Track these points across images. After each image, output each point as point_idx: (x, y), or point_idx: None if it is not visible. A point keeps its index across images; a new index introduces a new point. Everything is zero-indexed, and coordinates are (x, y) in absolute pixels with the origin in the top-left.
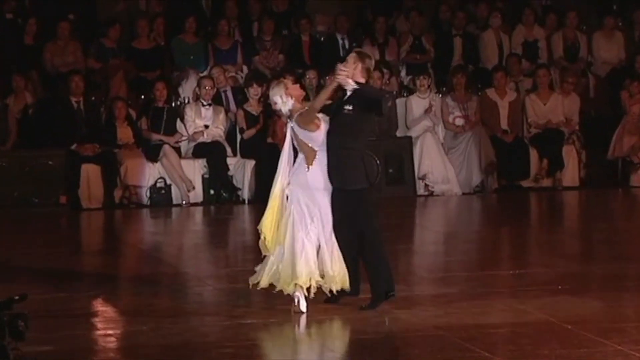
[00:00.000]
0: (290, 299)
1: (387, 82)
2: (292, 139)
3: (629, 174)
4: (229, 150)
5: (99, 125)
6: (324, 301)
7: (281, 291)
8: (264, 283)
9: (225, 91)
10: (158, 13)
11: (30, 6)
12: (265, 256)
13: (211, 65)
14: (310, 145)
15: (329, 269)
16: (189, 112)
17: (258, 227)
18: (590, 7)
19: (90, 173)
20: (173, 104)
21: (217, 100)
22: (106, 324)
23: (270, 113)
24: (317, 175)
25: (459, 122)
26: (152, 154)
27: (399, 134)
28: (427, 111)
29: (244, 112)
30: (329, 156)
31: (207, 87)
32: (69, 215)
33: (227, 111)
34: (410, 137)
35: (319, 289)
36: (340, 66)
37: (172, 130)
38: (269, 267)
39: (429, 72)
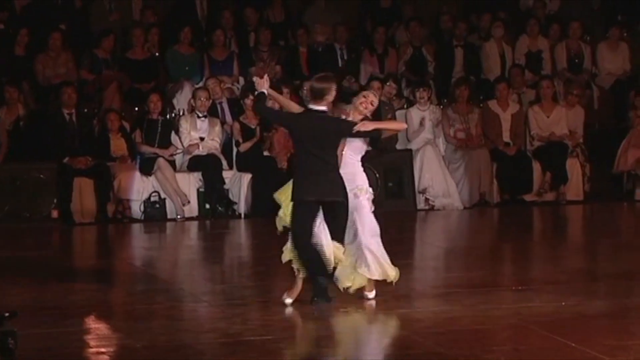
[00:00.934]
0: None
1: (394, 97)
2: None
3: (634, 188)
4: (224, 163)
5: (91, 138)
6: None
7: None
8: (285, 258)
9: (220, 103)
10: (152, 23)
11: (22, 16)
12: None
13: (206, 76)
14: None
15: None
16: (184, 124)
17: (275, 196)
18: (595, 17)
19: (83, 186)
20: (168, 116)
21: (212, 112)
22: (99, 342)
23: (267, 126)
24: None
25: (460, 135)
26: (146, 167)
27: (398, 146)
28: (422, 123)
29: (240, 125)
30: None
31: (202, 99)
32: (61, 230)
33: (222, 123)
34: (411, 150)
35: None
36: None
37: (166, 143)
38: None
39: (429, 84)
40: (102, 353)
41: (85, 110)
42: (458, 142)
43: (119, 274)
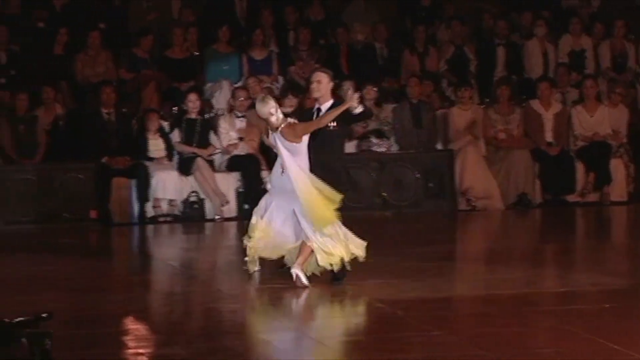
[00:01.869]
0: None
1: (430, 93)
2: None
3: None
4: (264, 163)
5: (130, 138)
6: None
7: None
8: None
9: None
10: (191, 22)
11: (61, 15)
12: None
13: (245, 75)
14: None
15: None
16: (223, 124)
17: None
18: (638, 15)
19: (121, 187)
20: (206, 116)
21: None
22: (137, 343)
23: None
24: (286, 180)
25: (502, 135)
26: (185, 167)
27: (439, 147)
28: (469, 127)
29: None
30: (316, 169)
31: (241, 98)
32: (100, 230)
33: None
34: (451, 150)
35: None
36: (354, 93)
37: (205, 143)
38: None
39: (470, 83)
40: (141, 354)
41: (124, 109)
42: (500, 142)
43: (158, 274)
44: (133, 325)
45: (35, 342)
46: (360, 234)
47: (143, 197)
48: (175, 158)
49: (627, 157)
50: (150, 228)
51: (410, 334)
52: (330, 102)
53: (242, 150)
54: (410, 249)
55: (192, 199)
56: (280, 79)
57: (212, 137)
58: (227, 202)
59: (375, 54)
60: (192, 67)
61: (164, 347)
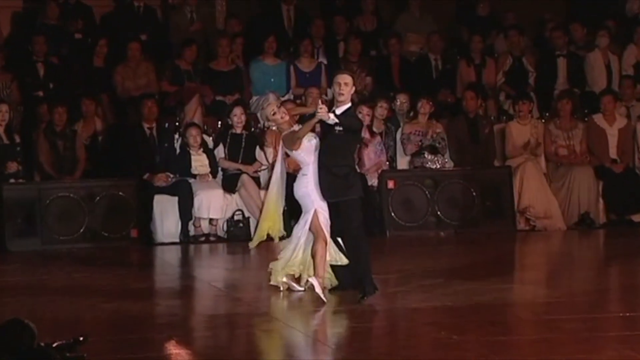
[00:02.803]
0: None
1: (482, 105)
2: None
3: None
4: None
5: (172, 154)
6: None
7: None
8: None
9: None
10: (237, 33)
11: (101, 26)
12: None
13: (293, 88)
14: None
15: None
16: (269, 139)
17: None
18: None
19: (164, 205)
20: (252, 130)
21: None
22: None
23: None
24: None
25: (563, 151)
26: (230, 184)
27: (496, 163)
28: (527, 146)
29: None
30: (322, 174)
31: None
32: (141, 250)
33: None
34: (510, 167)
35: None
36: (320, 102)
37: (251, 159)
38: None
39: (530, 96)
40: None
41: (166, 124)
42: (561, 158)
43: (201, 296)
44: (175, 350)
45: None
46: (413, 255)
47: (186, 216)
48: (220, 175)
49: None
50: (192, 248)
51: None
52: (348, 105)
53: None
54: (468, 271)
55: (237, 217)
56: (330, 92)
57: (258, 153)
58: None
59: (429, 65)
60: (238, 79)
61: None
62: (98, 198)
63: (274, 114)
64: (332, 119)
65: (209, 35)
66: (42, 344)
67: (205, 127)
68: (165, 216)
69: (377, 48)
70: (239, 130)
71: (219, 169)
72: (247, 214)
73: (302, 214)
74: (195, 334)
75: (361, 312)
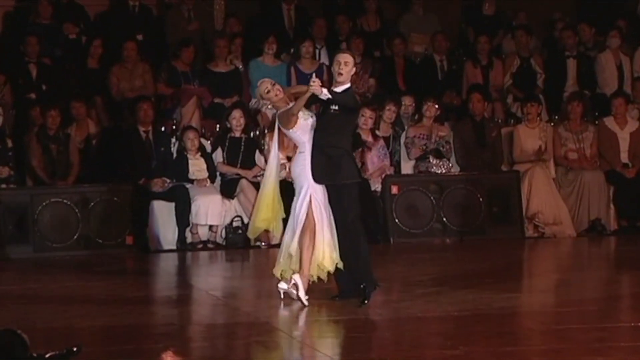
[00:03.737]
0: None
1: (489, 107)
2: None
3: None
4: None
5: (169, 158)
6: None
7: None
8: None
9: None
10: (236, 33)
11: (95, 26)
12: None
13: None
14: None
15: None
16: (270, 141)
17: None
18: None
19: (160, 211)
20: (251, 134)
21: None
22: None
23: (358, 143)
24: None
25: (573, 155)
26: (228, 190)
27: (504, 167)
28: (538, 152)
29: None
30: (314, 154)
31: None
32: (136, 257)
33: None
34: (518, 172)
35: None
36: (313, 76)
37: (250, 164)
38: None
39: (538, 99)
40: None
41: (163, 127)
42: (570, 163)
43: (198, 305)
44: None
45: None
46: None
47: (183, 222)
48: (218, 180)
49: None
50: (190, 255)
51: None
52: (347, 85)
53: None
54: (474, 280)
55: (236, 223)
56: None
57: (258, 157)
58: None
59: (434, 66)
60: (237, 81)
61: None
62: (92, 204)
63: (267, 91)
64: (324, 93)
65: (207, 35)
66: (35, 355)
67: (203, 130)
68: (162, 223)
69: (381, 49)
70: (237, 134)
71: (217, 173)
72: (246, 220)
73: (297, 195)
74: (192, 345)
75: (364, 322)
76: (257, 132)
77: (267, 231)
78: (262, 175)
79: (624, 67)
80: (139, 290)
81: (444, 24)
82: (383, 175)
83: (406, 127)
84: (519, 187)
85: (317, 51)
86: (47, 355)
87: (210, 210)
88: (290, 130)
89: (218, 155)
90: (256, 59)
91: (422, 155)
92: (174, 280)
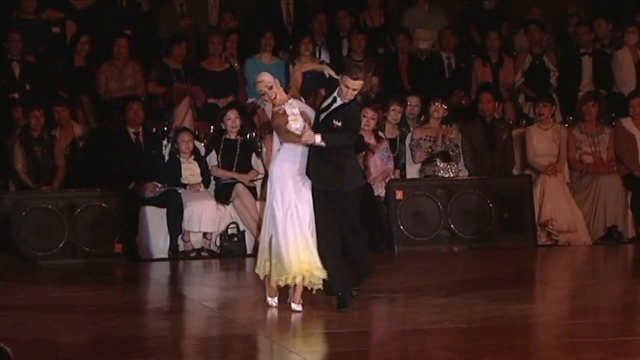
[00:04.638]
0: None
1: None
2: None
3: None
4: None
5: (160, 161)
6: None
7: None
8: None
9: None
10: (231, 29)
11: (82, 21)
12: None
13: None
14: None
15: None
16: (268, 146)
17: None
18: None
19: (151, 217)
20: (248, 136)
21: None
22: None
23: (361, 147)
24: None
25: (588, 158)
26: (223, 195)
27: (515, 171)
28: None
29: None
30: (316, 159)
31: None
32: (126, 266)
33: None
34: (530, 176)
35: None
36: (306, 126)
37: (246, 167)
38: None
39: (552, 98)
40: None
41: (154, 129)
42: (586, 167)
43: (192, 317)
44: None
45: None
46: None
47: (175, 229)
48: (212, 184)
49: None
50: (182, 264)
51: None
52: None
53: None
54: (484, 290)
55: (231, 230)
56: None
57: (254, 161)
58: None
59: (441, 64)
60: (232, 80)
61: None
62: (79, 210)
63: (263, 94)
64: (318, 142)
65: (201, 31)
66: None
67: (197, 132)
68: (153, 230)
69: (385, 45)
70: (233, 136)
71: (212, 178)
72: (242, 227)
73: (279, 195)
74: (185, 359)
75: (367, 334)
76: (254, 134)
77: None
78: (259, 179)
79: None
80: (129, 301)
81: (451, 19)
82: (387, 180)
83: (411, 129)
84: (531, 192)
85: (317, 48)
86: None
87: (204, 217)
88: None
89: (212, 159)
90: (253, 56)
91: (428, 159)
92: (165, 291)
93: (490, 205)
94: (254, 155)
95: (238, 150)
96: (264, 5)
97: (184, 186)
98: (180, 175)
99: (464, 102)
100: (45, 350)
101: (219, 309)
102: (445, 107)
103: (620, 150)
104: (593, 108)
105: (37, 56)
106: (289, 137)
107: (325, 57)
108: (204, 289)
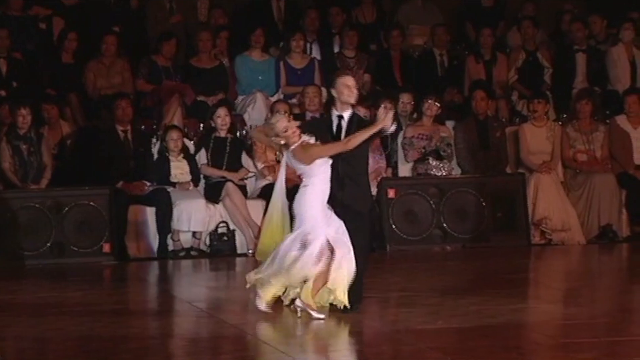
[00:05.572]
0: None
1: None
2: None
3: None
4: None
5: (149, 160)
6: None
7: None
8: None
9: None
10: (221, 25)
11: (69, 18)
12: None
13: (283, 86)
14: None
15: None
16: (258, 144)
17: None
18: None
19: (139, 216)
20: (238, 134)
21: None
22: None
23: None
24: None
25: (582, 157)
26: (213, 194)
27: (509, 170)
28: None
29: None
30: (345, 182)
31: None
32: (114, 266)
33: None
34: (523, 174)
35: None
36: (388, 110)
37: (236, 165)
38: None
39: (545, 96)
40: None
41: (143, 127)
42: (579, 165)
43: (181, 318)
44: None
45: None
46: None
47: (164, 228)
48: (202, 183)
49: None
50: (171, 264)
51: None
52: (350, 111)
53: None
54: (477, 290)
55: (221, 230)
56: (324, 90)
57: (244, 159)
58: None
59: (434, 61)
60: (222, 77)
61: None
62: (66, 209)
63: (285, 130)
64: (393, 127)
65: (190, 28)
66: None
67: (186, 130)
68: (141, 229)
69: (377, 42)
70: (223, 134)
71: (201, 176)
72: (232, 226)
73: (302, 229)
74: (175, 359)
75: (359, 335)
76: (244, 132)
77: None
78: (249, 177)
79: (637, 62)
80: (117, 301)
81: (446, 16)
82: (379, 178)
83: (404, 127)
84: (525, 191)
85: (308, 45)
86: None
87: (194, 216)
88: (306, 167)
89: (202, 157)
90: (243, 53)
91: (420, 157)
92: (154, 291)
93: (483, 204)
94: (244, 153)
95: (228, 148)
96: (254, 1)
97: (173, 185)
98: (169, 173)
99: (456, 99)
100: (32, 351)
101: (209, 309)
102: (439, 104)
103: (615, 149)
104: (587, 106)
105: (24, 53)
106: (363, 135)
107: (316, 53)
108: (194, 288)
